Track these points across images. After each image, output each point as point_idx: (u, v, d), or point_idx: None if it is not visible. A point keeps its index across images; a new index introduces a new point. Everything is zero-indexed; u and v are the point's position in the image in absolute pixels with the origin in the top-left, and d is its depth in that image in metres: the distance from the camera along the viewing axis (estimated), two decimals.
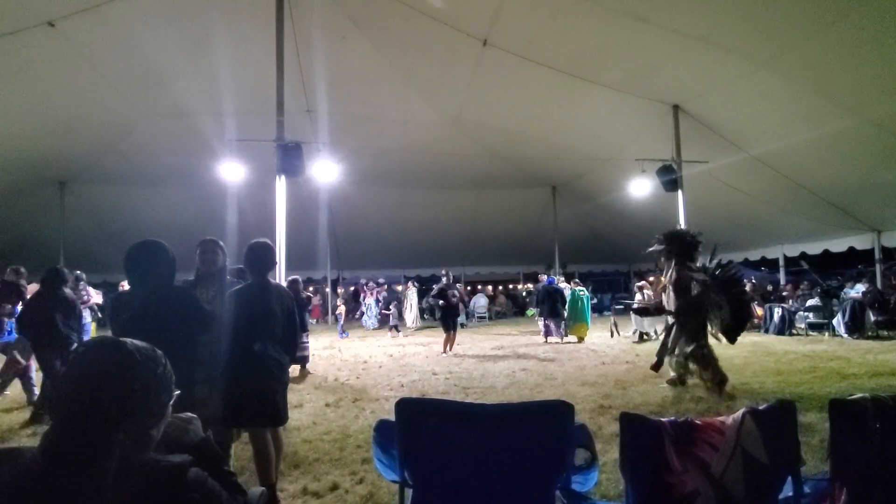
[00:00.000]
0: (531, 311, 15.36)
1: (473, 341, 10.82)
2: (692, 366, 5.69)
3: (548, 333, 10.89)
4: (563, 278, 13.43)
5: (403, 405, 1.55)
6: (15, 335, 6.23)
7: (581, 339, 10.91)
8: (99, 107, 9.59)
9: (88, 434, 0.84)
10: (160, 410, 0.96)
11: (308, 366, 7.63)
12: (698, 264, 6.01)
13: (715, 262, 6.00)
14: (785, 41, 6.90)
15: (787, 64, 7.27)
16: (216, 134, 10.07)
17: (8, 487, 0.82)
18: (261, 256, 2.84)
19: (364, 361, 8.16)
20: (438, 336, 12.26)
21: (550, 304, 10.87)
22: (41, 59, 8.07)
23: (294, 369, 7.27)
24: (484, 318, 18.42)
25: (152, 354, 0.97)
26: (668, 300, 5.93)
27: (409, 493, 1.61)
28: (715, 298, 5.65)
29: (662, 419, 1.51)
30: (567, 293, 11.48)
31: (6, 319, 6.15)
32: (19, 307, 6.36)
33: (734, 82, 8.15)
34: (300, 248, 13.40)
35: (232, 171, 9.15)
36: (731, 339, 5.81)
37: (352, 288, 24.41)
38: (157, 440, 0.97)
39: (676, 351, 5.79)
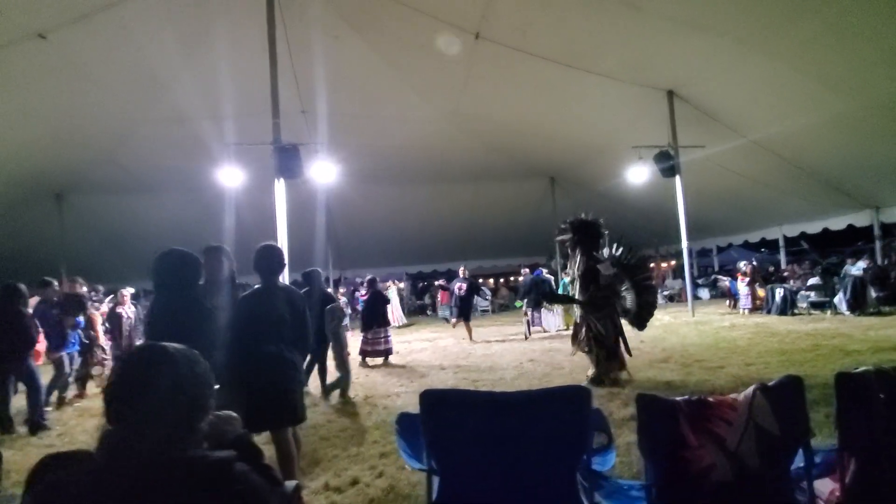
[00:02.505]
0: (519, 302, 15.51)
1: (479, 334, 10.88)
2: (594, 351, 5.61)
3: (533, 324, 10.97)
4: (546, 270, 13.43)
5: (428, 396, 1.60)
6: (78, 346, 6.38)
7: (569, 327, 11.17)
8: (93, 117, 9.60)
9: (146, 432, 0.90)
10: (205, 405, 1.02)
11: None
12: (605, 252, 5.88)
13: (621, 249, 5.86)
14: (776, 23, 6.92)
15: (780, 46, 7.30)
16: (212, 139, 10.08)
17: (74, 486, 0.88)
18: (269, 259, 2.90)
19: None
20: (440, 332, 12.37)
21: (537, 295, 10.93)
22: (33, 72, 8.07)
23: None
24: (487, 311, 18.50)
25: (191, 354, 1.03)
26: (577, 291, 5.77)
27: (435, 480, 1.67)
28: (621, 287, 5.66)
29: (677, 398, 1.57)
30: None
31: (70, 331, 6.23)
32: (81, 319, 6.51)
33: (728, 66, 8.18)
34: (300, 248, 13.42)
35: (230, 176, 9.20)
36: (640, 326, 5.79)
37: (352, 287, 24.51)
38: (203, 433, 1.03)
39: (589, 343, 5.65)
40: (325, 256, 16.47)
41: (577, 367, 6.59)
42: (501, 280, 25.92)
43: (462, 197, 15.73)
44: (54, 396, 6.07)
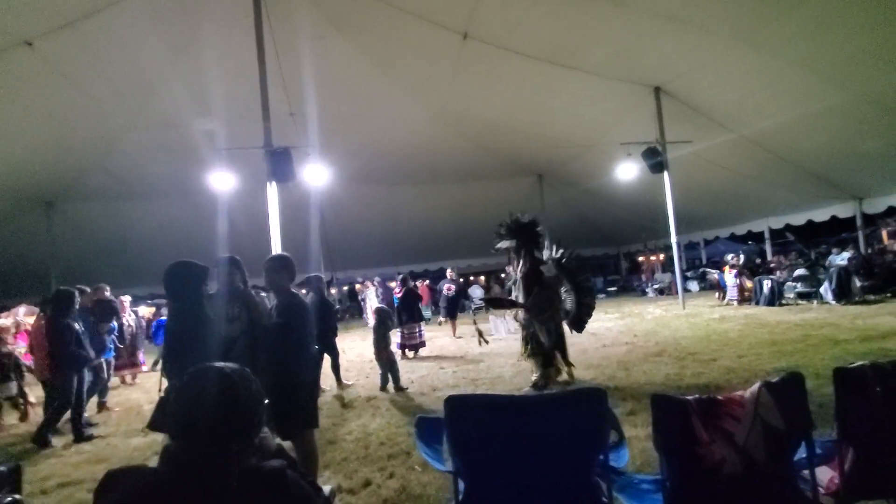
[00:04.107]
0: None
1: (472, 331, 10.94)
2: (533, 354, 5.56)
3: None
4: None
5: (452, 402, 1.67)
6: (113, 353, 6.42)
7: None
8: (81, 123, 9.50)
9: (209, 448, 0.96)
10: (260, 421, 1.08)
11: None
12: (546, 255, 5.89)
13: (560, 251, 5.90)
14: (762, 17, 7.06)
15: (766, 40, 7.44)
16: (203, 143, 10.03)
17: (143, 498, 0.93)
18: (285, 267, 2.97)
19: (370, 360, 8.23)
20: (434, 331, 12.44)
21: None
22: (20, 79, 7.99)
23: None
24: (481, 308, 18.58)
25: (245, 374, 1.08)
26: (520, 294, 5.65)
27: (460, 481, 1.73)
28: (562, 288, 5.68)
29: (688, 397, 1.66)
30: None
31: (105, 337, 6.31)
32: (115, 324, 6.55)
33: (714, 61, 8.33)
34: (292, 250, 13.36)
35: (222, 180, 9.13)
36: (579, 328, 5.79)
37: (345, 287, 24.49)
38: (256, 447, 1.09)
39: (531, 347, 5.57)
40: (317, 258, 16.41)
41: (573, 363, 6.70)
42: (493, 277, 26.01)
43: (452, 196, 15.80)
44: (93, 402, 6.18)
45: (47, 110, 8.89)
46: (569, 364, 5.68)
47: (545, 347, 5.44)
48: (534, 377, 5.55)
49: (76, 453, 4.48)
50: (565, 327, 5.79)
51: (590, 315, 5.87)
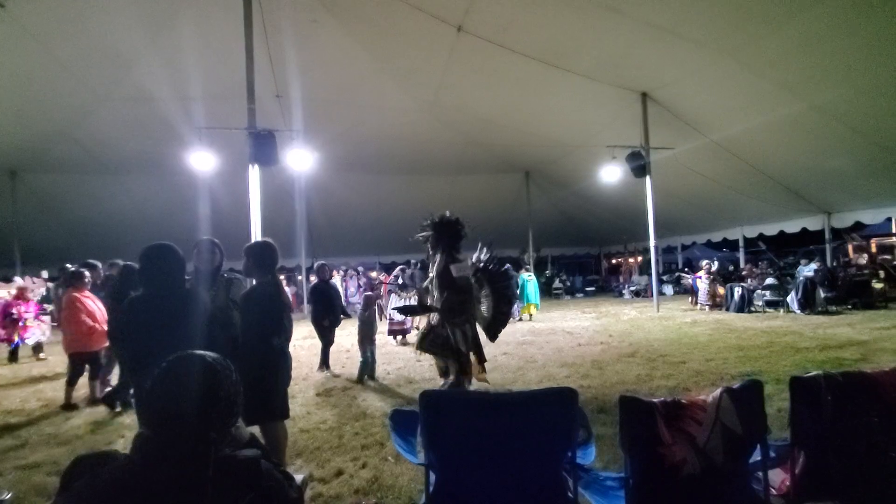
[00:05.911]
0: None
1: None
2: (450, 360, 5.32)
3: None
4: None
5: (427, 397, 1.70)
6: None
7: (531, 317, 12.15)
8: (52, 91, 9.18)
9: (187, 436, 0.96)
10: (237, 410, 1.09)
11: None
12: (473, 258, 5.73)
13: (485, 254, 5.75)
14: (748, 34, 7.26)
15: (749, 55, 7.66)
16: (182, 121, 9.77)
17: (114, 487, 0.93)
18: (265, 255, 2.93)
19: (347, 350, 8.23)
20: None
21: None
22: None
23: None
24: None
25: (226, 363, 1.09)
26: (433, 294, 5.38)
27: (431, 474, 1.77)
28: (480, 293, 5.51)
29: (654, 400, 1.73)
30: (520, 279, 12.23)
31: None
32: None
33: (699, 72, 8.51)
34: (274, 236, 13.11)
35: (201, 160, 8.88)
36: (492, 336, 5.58)
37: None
38: (231, 436, 1.09)
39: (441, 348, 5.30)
40: (300, 244, 16.23)
41: (549, 361, 6.83)
42: None
43: (438, 188, 15.79)
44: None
45: (16, 74, 8.56)
46: (482, 365, 5.51)
47: (462, 352, 5.24)
48: (446, 380, 5.34)
49: (36, 434, 4.37)
50: (481, 333, 5.55)
51: (504, 324, 5.66)
